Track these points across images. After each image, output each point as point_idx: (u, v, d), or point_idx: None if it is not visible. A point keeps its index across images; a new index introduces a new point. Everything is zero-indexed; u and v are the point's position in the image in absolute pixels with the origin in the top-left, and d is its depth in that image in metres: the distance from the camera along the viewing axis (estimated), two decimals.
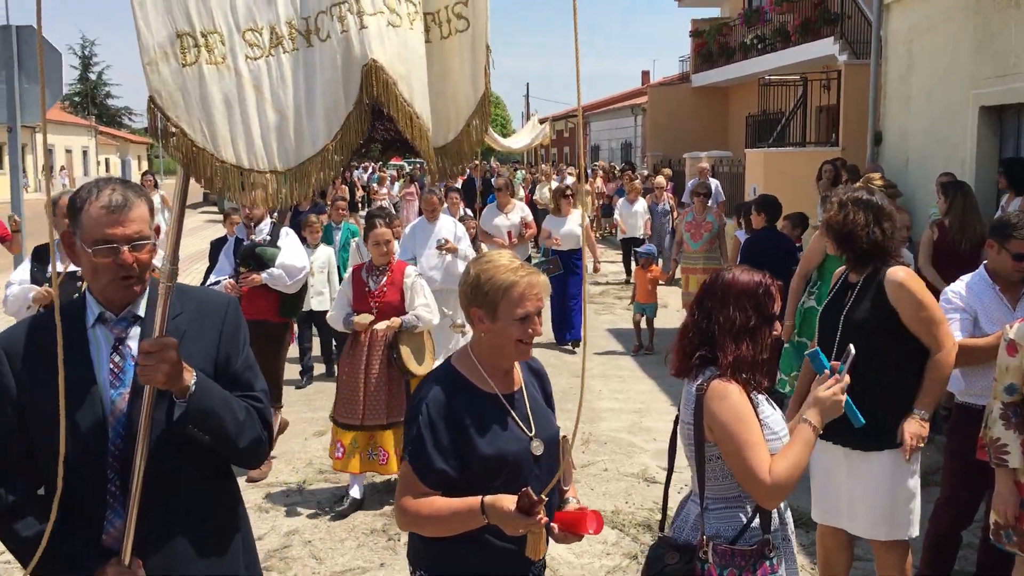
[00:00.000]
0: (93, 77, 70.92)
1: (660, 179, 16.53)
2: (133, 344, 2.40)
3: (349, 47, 2.28)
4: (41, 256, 5.29)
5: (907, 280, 3.85)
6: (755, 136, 17.63)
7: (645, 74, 45.85)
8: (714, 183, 15.45)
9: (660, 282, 10.71)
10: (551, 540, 2.60)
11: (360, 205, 29.45)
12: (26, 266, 5.31)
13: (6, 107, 8.28)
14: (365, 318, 5.78)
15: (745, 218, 8.57)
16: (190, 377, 2.31)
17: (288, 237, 6.76)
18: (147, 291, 2.45)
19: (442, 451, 2.50)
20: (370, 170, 28.78)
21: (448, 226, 8.38)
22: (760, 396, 2.81)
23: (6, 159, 11.49)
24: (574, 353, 10.35)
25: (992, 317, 4.08)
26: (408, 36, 2.38)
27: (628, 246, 15.29)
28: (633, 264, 14.30)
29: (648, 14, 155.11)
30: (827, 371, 2.80)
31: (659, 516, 5.60)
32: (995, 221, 4.38)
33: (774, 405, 2.89)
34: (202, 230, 24.08)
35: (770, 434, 2.72)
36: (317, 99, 2.31)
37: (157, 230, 2.48)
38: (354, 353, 5.87)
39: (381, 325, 5.77)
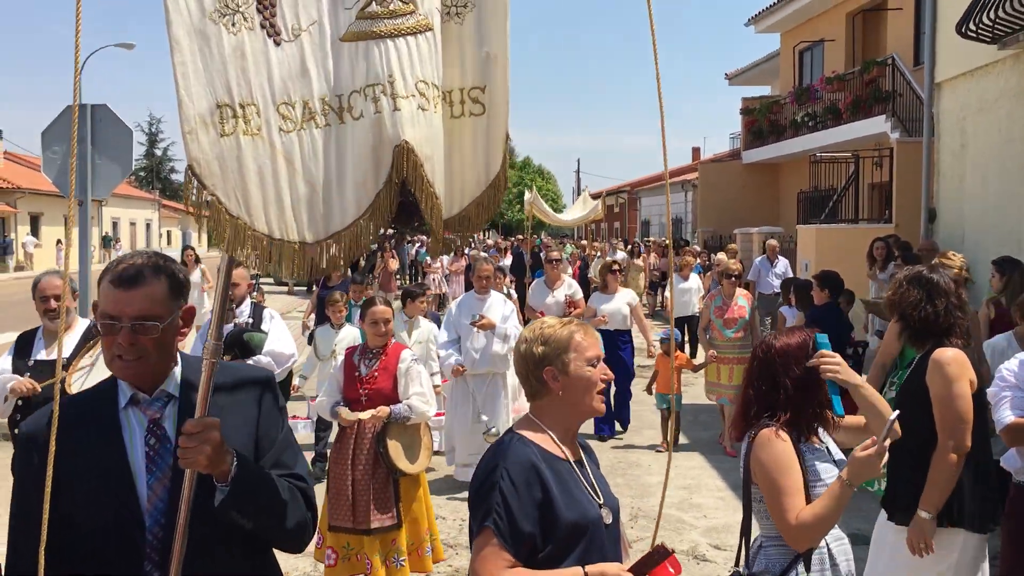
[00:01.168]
0: (159, 153, 73.60)
1: (723, 256, 15.44)
2: (168, 425, 2.27)
3: (382, 127, 2.36)
4: (23, 344, 5.15)
5: (948, 363, 3.78)
6: (807, 212, 17.62)
7: (696, 150, 46.20)
8: (783, 262, 14.96)
9: (689, 370, 9.82)
10: None
11: (408, 279, 29.94)
12: (8, 356, 5.15)
13: (78, 182, 8.66)
14: (349, 412, 5.30)
15: (797, 294, 8.53)
16: (231, 459, 2.18)
17: (274, 320, 6.27)
18: (179, 367, 2.33)
19: (528, 516, 2.42)
20: (419, 243, 29.13)
21: (498, 302, 7.94)
22: (816, 445, 3.05)
23: (75, 232, 11.92)
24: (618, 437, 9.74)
25: None
26: (434, 119, 2.48)
27: (680, 325, 14.57)
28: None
29: (699, 92, 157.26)
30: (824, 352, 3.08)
31: None
32: None
33: (832, 453, 3.08)
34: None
35: (815, 481, 2.95)
36: (348, 174, 2.38)
37: (188, 312, 2.32)
38: (341, 447, 5.37)
39: (365, 414, 5.27)
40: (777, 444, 2.96)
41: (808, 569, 2.93)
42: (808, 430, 3.06)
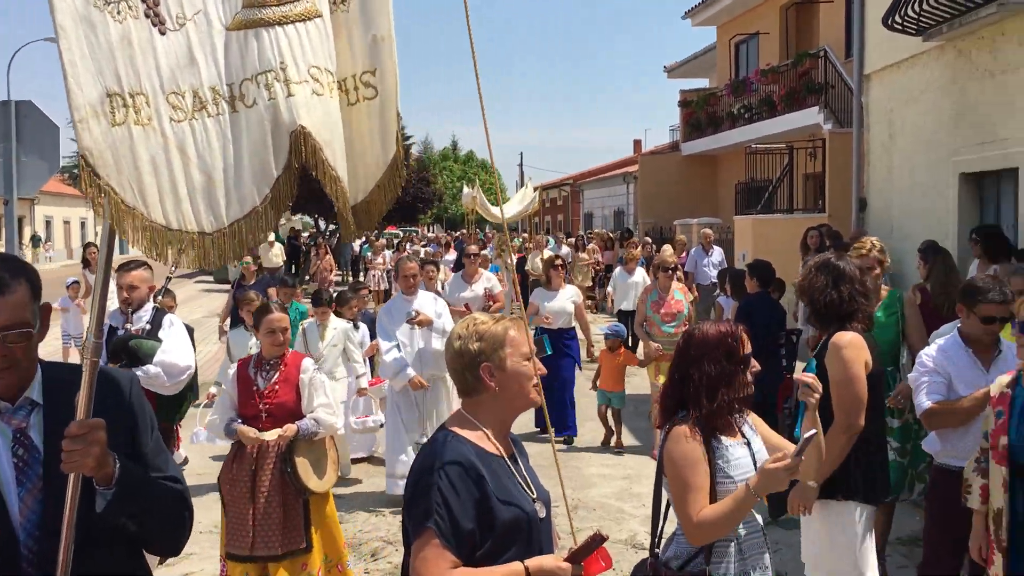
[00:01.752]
0: None
1: (668, 249, 15.83)
2: (35, 435, 2.17)
3: (277, 113, 2.37)
4: None
5: (845, 346, 3.95)
6: (744, 203, 17.90)
7: (637, 143, 46.60)
8: (718, 252, 14.95)
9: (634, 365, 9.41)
10: None
11: (352, 276, 29.45)
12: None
13: (2, 180, 8.43)
14: (253, 431, 4.85)
15: (731, 284, 8.66)
16: (113, 461, 2.12)
17: (172, 328, 5.67)
18: (39, 373, 2.23)
19: (468, 514, 2.40)
20: (363, 239, 28.52)
21: (428, 302, 7.42)
22: (734, 441, 3.08)
23: (2, 231, 11.57)
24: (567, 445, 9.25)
25: (966, 379, 4.16)
26: (329, 104, 2.50)
27: (625, 320, 13.73)
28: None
29: (640, 84, 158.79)
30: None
31: None
32: (964, 286, 4.49)
33: (753, 450, 3.11)
34: (196, 299, 24.14)
35: (723, 479, 3.01)
36: (244, 163, 2.37)
37: (46, 310, 2.22)
38: (238, 468, 4.89)
39: (271, 434, 4.84)
40: (686, 442, 3.01)
41: (708, 561, 2.99)
42: (723, 427, 3.07)
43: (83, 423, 2.08)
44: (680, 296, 8.76)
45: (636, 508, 7.14)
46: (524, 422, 8.13)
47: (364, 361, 8.52)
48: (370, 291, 22.94)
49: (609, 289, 14.75)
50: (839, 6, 17.90)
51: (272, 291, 10.22)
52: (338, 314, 8.37)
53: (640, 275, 13.64)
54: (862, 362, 3.93)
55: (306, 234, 34.64)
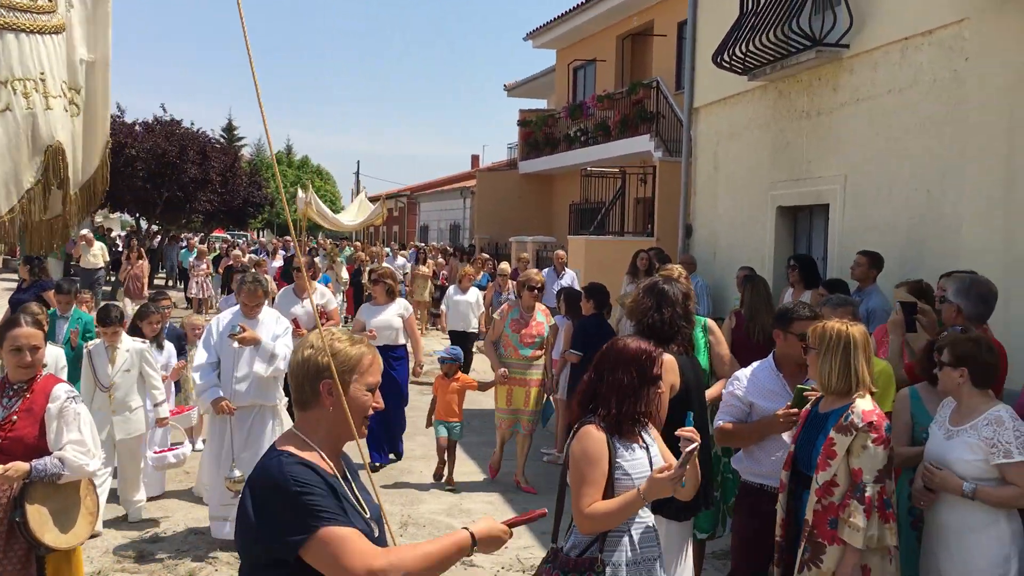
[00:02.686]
0: None
1: (504, 265, 14.82)
2: None
3: (36, 126, 2.32)
4: None
5: (668, 366, 4.17)
6: (578, 223, 18.37)
7: (475, 158, 47.05)
8: (570, 274, 14.21)
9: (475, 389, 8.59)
10: None
11: (176, 282, 27.92)
12: None
13: None
14: None
15: (567, 304, 8.83)
16: None
17: None
18: None
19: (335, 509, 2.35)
20: (184, 243, 26.68)
21: (269, 320, 6.64)
22: (636, 444, 3.45)
23: None
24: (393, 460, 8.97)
25: (770, 402, 4.42)
26: (75, 121, 2.49)
27: (458, 341, 12.94)
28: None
29: (479, 100, 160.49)
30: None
31: None
32: (776, 313, 4.81)
33: (651, 455, 3.47)
34: None
35: (622, 475, 3.35)
36: None
37: None
38: None
39: None
40: (590, 439, 3.37)
41: (601, 549, 3.34)
42: (626, 432, 3.43)
43: None
44: (542, 318, 8.35)
45: (466, 523, 7.13)
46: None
47: (175, 386, 8.06)
48: (190, 300, 21.64)
49: (442, 307, 13.99)
50: (671, 41, 18.76)
51: (50, 295, 9.16)
52: (135, 331, 7.50)
53: (474, 294, 13.19)
54: (668, 384, 4.11)
55: (122, 233, 32.26)
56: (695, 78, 12.66)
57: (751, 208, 11.12)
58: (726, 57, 10.36)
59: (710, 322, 5.51)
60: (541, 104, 28.11)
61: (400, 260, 22.31)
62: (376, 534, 2.52)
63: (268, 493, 2.36)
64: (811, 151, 9.75)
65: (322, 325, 8.06)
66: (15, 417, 4.11)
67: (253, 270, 9.73)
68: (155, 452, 7.21)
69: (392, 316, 8.77)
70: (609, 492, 3.32)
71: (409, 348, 9.02)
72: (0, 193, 2.26)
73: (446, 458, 8.27)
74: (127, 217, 32.93)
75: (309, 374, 2.51)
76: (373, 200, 26.62)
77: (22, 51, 2.25)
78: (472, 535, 2.44)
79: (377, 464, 8.66)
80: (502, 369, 8.09)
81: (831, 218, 9.36)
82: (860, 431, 3.80)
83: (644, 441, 3.49)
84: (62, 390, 4.26)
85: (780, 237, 10.55)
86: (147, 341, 7.29)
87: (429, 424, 8.47)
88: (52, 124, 2.29)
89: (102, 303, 7.39)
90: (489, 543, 2.53)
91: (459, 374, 8.44)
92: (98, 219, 32.21)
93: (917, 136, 8.05)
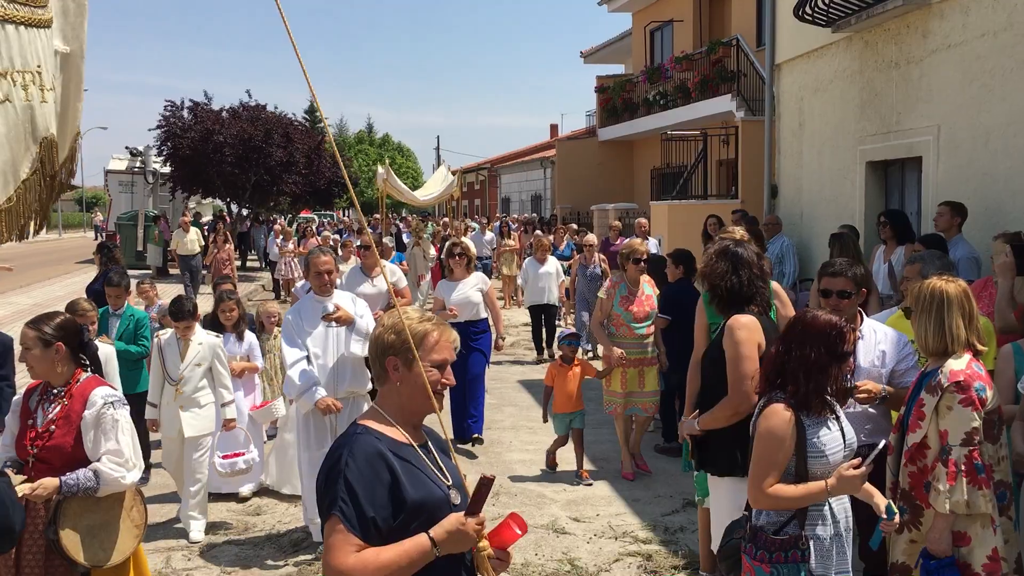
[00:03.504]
0: None
1: (591, 236, 13.60)
2: None
3: (34, 118, 2.36)
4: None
5: (739, 329, 4.16)
6: (659, 189, 18.15)
7: (554, 127, 46.79)
8: (653, 242, 13.49)
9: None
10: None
11: (264, 265, 28.23)
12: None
13: None
14: (18, 480, 3.68)
15: (652, 270, 8.71)
16: None
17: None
18: None
19: (373, 501, 2.46)
20: (270, 224, 26.54)
21: (345, 303, 6.15)
22: (826, 420, 3.37)
23: None
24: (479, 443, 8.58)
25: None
26: (56, 111, 2.51)
27: (537, 315, 12.87)
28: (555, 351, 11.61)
29: (556, 69, 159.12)
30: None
31: (567, 568, 5.65)
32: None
33: (844, 433, 3.41)
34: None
35: (815, 454, 3.31)
36: None
37: None
38: None
39: (26, 488, 3.67)
40: (777, 418, 3.33)
41: (803, 525, 3.31)
42: (816, 407, 3.34)
43: None
44: (650, 291, 7.60)
45: (557, 493, 7.19)
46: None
47: (263, 383, 7.75)
48: (277, 281, 21.72)
49: (520, 281, 13.37)
50: None
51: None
52: (215, 325, 7.25)
53: (553, 264, 12.79)
54: (754, 343, 4.11)
55: (209, 218, 32.70)
56: (776, 33, 12.32)
57: (839, 165, 10.80)
58: (808, 10, 10.05)
59: (775, 284, 5.36)
60: (619, 69, 27.75)
61: (489, 235, 21.86)
62: (458, 501, 2.63)
63: (329, 465, 2.54)
64: (901, 102, 9.40)
65: (396, 304, 7.75)
66: (53, 427, 3.83)
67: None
68: (223, 457, 6.60)
69: (471, 290, 8.53)
70: (803, 470, 3.31)
71: (490, 321, 8.78)
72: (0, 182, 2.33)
73: (575, 450, 7.47)
74: (219, 202, 33.80)
75: (378, 351, 2.66)
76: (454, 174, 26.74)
77: (21, 43, 2.30)
78: (431, 538, 2.46)
79: (464, 439, 8.48)
80: (618, 351, 7.26)
81: (924, 171, 9.02)
82: (946, 392, 3.68)
83: (837, 415, 3.43)
84: (99, 395, 3.91)
85: (870, 193, 10.23)
86: (220, 335, 6.84)
87: (547, 419, 7.62)
88: (47, 117, 2.36)
89: (175, 295, 6.91)
90: (452, 542, 2.48)
91: (578, 359, 7.59)
92: (191, 205, 33.19)
93: (1014, 80, 7.68)
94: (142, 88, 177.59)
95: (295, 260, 20.07)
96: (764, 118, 13.13)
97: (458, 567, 2.57)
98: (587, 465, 7.62)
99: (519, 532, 2.57)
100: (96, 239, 37.72)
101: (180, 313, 6.49)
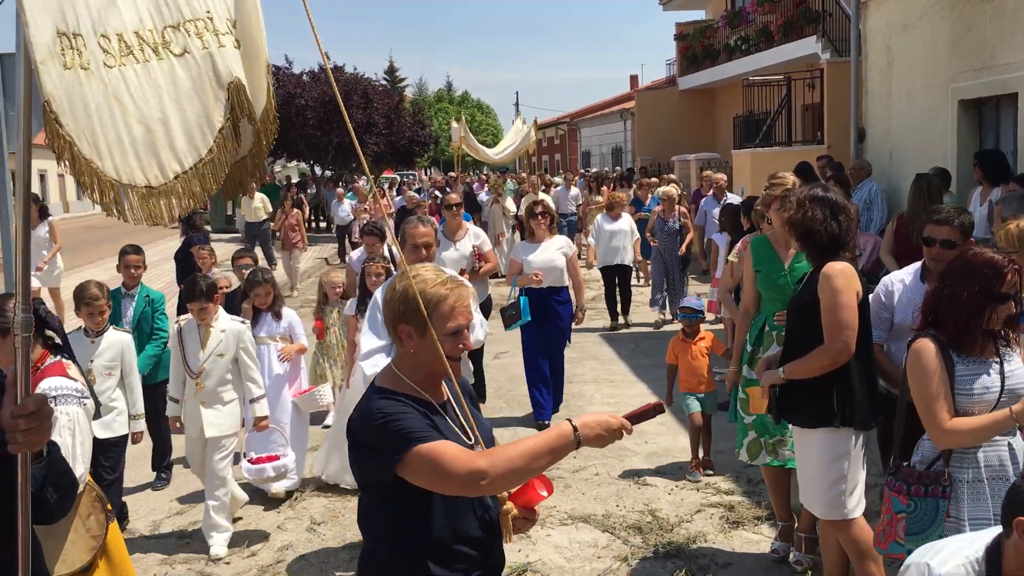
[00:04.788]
0: None
1: (669, 189, 12.51)
2: None
3: (215, 64, 2.32)
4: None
5: (836, 276, 3.98)
6: (742, 137, 17.73)
7: (633, 78, 46.00)
8: (732, 200, 11.53)
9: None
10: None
11: (315, 225, 27.91)
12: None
13: None
14: None
15: (726, 217, 8.56)
16: None
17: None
18: None
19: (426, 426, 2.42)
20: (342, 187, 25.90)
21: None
22: (983, 359, 3.25)
23: None
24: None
25: (911, 306, 4.14)
26: (241, 55, 2.44)
27: (610, 277, 11.77)
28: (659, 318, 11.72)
29: (634, 18, 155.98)
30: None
31: (648, 519, 5.67)
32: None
33: (1005, 373, 3.25)
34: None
35: (960, 391, 3.22)
36: (187, 114, 2.31)
37: None
38: None
39: None
40: (924, 355, 3.26)
41: (948, 463, 3.27)
42: (967, 346, 3.24)
43: (34, 399, 2.05)
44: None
45: (638, 445, 7.20)
46: (526, 424, 8.10)
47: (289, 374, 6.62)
48: (354, 244, 20.87)
49: (590, 240, 11.92)
50: None
51: (199, 252, 8.39)
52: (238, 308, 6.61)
53: (627, 222, 11.59)
54: (853, 291, 3.97)
55: (296, 181, 32.62)
56: None
57: (929, 105, 10.37)
58: None
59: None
60: (699, 15, 27.03)
61: (574, 190, 20.22)
62: None
63: (359, 427, 2.49)
64: (995, 36, 8.94)
65: (480, 267, 7.50)
66: None
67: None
68: (251, 461, 5.85)
69: (554, 254, 7.82)
70: (951, 406, 3.25)
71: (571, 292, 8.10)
72: (196, 135, 2.30)
73: (700, 439, 6.52)
74: (304, 165, 34.42)
75: (391, 317, 2.55)
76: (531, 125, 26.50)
77: None
78: (574, 427, 2.37)
79: (546, 422, 7.79)
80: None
81: (1020, 108, 8.59)
82: None
83: (998, 356, 3.28)
84: (46, 386, 3.64)
85: (963, 133, 9.80)
86: (246, 321, 6.02)
87: (671, 401, 6.51)
88: (228, 61, 2.32)
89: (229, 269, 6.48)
90: (595, 437, 2.39)
91: (703, 331, 6.68)
92: (277, 169, 33.89)
93: None
94: None
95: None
96: (850, 59, 12.67)
97: (484, 520, 2.55)
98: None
99: (544, 494, 2.52)
100: None
101: (193, 294, 5.56)
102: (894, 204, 10.74)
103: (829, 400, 4.00)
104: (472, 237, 8.23)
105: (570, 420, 2.40)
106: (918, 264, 4.39)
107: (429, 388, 2.58)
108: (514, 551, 5.20)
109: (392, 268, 6.45)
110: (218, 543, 5.51)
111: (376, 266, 6.50)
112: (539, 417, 7.82)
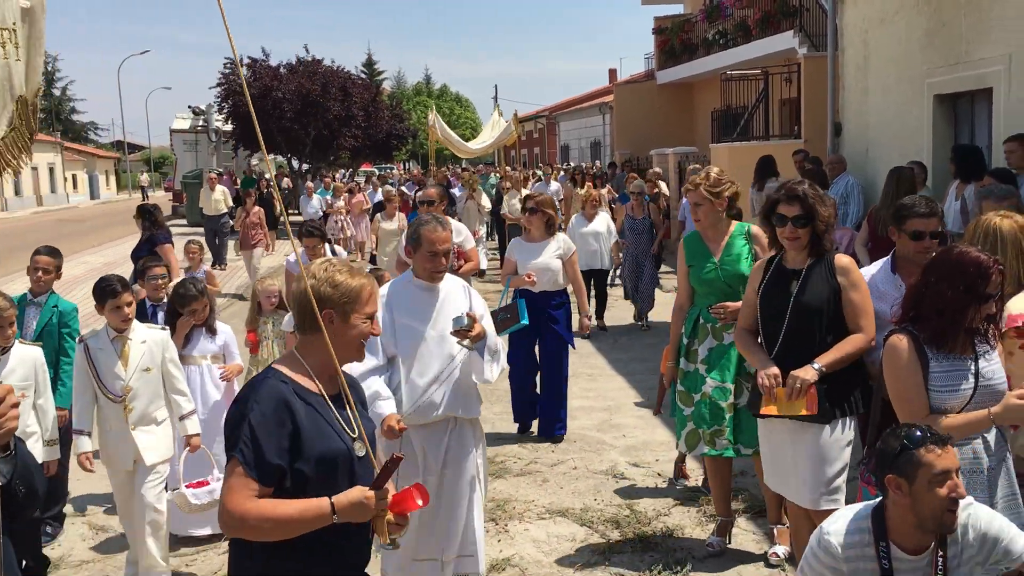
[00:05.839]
0: (57, 93, 70.21)
1: (640, 183, 12.22)
2: None
3: (11, 76, 2.37)
4: None
5: (852, 265, 4.07)
6: (720, 131, 17.76)
7: (612, 72, 46.07)
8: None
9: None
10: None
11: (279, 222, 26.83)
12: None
13: None
14: None
15: None
16: None
17: None
18: None
19: (277, 448, 2.50)
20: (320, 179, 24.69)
21: (456, 292, 4.35)
22: (958, 357, 3.22)
23: None
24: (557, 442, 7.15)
25: (885, 303, 4.12)
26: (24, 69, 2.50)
27: (585, 282, 9.77)
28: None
29: (613, 12, 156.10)
30: None
31: (626, 512, 5.67)
32: (894, 208, 4.47)
33: (982, 373, 3.23)
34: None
35: (937, 386, 3.20)
36: None
37: None
38: None
39: None
40: (898, 353, 3.26)
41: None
42: (949, 345, 3.22)
43: (3, 388, 2.09)
44: None
45: (616, 439, 7.20)
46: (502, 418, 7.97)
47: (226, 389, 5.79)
48: (329, 241, 20.16)
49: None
50: None
51: (167, 251, 8.04)
52: (170, 317, 5.76)
53: (603, 221, 10.69)
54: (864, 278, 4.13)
55: (267, 176, 31.27)
56: None
57: (905, 99, 10.43)
58: None
59: (754, 228, 5.04)
60: (677, 9, 27.05)
61: (554, 185, 19.37)
62: (362, 453, 2.68)
63: (236, 405, 2.59)
64: (970, 31, 8.99)
65: (460, 267, 6.93)
66: None
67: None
68: (189, 486, 4.97)
69: (550, 257, 7.23)
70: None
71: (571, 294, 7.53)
72: None
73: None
74: (281, 158, 34.19)
75: (310, 304, 2.62)
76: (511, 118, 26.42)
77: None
78: (332, 504, 2.49)
79: (525, 425, 7.39)
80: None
81: (995, 103, 8.65)
82: (1006, 336, 3.52)
83: (974, 353, 3.26)
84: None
85: (938, 128, 9.86)
86: (167, 328, 5.25)
87: (659, 411, 5.80)
88: (20, 75, 2.38)
89: (180, 280, 5.86)
90: (351, 512, 2.50)
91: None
92: (254, 161, 33.61)
93: None
94: (203, 48, 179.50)
95: (347, 218, 18.54)
96: (827, 54, 12.72)
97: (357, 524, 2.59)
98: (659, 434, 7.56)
99: (420, 503, 2.61)
100: (144, 200, 37.10)
101: (102, 294, 4.77)
102: (870, 198, 10.79)
103: (850, 389, 4.03)
104: (454, 233, 7.16)
105: (330, 499, 2.49)
106: (887, 258, 4.39)
107: (325, 378, 2.68)
108: (492, 546, 5.19)
109: None
110: None
111: None
112: (546, 434, 7.21)
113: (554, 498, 6.02)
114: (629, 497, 5.95)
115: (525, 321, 6.27)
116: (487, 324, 4.27)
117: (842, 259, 4.11)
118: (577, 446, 7.08)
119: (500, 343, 4.40)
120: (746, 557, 5.00)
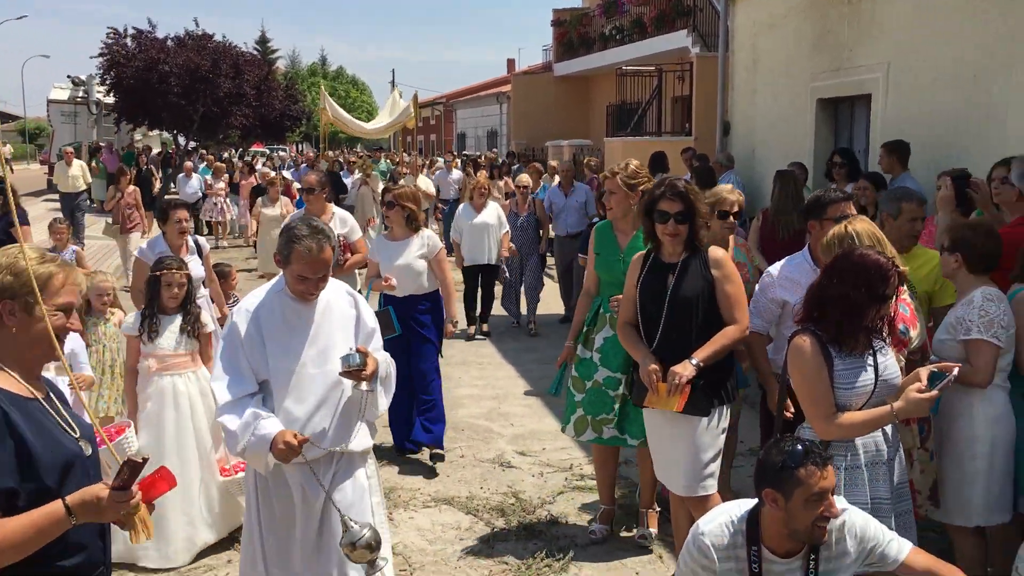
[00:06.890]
0: None
1: (524, 176, 11.52)
2: None
3: None
4: None
5: (726, 258, 4.22)
6: (615, 125, 18.03)
7: (511, 62, 46.18)
8: (582, 189, 10.93)
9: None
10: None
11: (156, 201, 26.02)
12: None
13: None
14: None
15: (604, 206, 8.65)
16: None
17: None
18: None
19: (4, 468, 2.24)
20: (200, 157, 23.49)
21: (340, 302, 3.77)
22: (858, 355, 3.32)
23: None
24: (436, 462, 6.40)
25: (795, 291, 4.25)
26: None
27: (472, 278, 10.23)
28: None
29: (513, 3, 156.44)
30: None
31: (511, 501, 5.69)
32: (806, 204, 4.64)
33: (879, 368, 3.34)
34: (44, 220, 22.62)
35: (838, 386, 3.28)
36: None
37: None
38: None
39: None
40: (804, 352, 3.32)
41: (826, 449, 3.21)
42: (850, 344, 3.30)
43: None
44: (742, 257, 5.46)
45: (504, 428, 7.23)
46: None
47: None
48: (209, 224, 17.89)
49: (452, 236, 10.41)
50: None
51: (26, 231, 7.04)
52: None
53: (493, 212, 9.93)
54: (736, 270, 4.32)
55: (156, 152, 29.98)
56: None
57: (791, 102, 10.79)
58: None
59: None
60: (576, 2, 27.32)
61: (456, 173, 18.19)
62: (88, 453, 2.48)
63: None
64: (852, 39, 9.37)
65: (345, 260, 6.48)
66: None
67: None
68: None
69: (413, 257, 6.38)
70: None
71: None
72: None
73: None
74: (167, 135, 32.96)
75: None
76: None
77: None
78: (67, 507, 2.27)
79: (405, 449, 6.59)
80: None
81: (873, 109, 9.04)
82: None
83: (872, 351, 3.36)
84: None
85: (821, 131, 10.25)
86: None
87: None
88: None
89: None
90: (90, 512, 2.29)
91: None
92: (137, 136, 32.32)
93: (963, 19, 7.66)
94: (85, 16, 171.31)
95: (227, 200, 17.87)
96: (718, 54, 13.05)
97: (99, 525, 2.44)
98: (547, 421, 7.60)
99: (167, 485, 2.43)
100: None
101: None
102: (753, 197, 11.14)
103: (724, 379, 4.17)
104: (338, 224, 6.75)
105: (63, 500, 2.26)
106: (799, 253, 4.52)
107: (30, 377, 2.43)
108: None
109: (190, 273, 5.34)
110: None
111: (179, 275, 5.12)
112: (401, 441, 6.58)
113: (440, 486, 6.00)
114: (515, 485, 5.98)
115: (398, 330, 5.94)
116: (378, 347, 3.74)
117: (716, 252, 4.22)
118: (465, 435, 7.07)
119: (390, 362, 3.79)
120: (628, 544, 5.09)
